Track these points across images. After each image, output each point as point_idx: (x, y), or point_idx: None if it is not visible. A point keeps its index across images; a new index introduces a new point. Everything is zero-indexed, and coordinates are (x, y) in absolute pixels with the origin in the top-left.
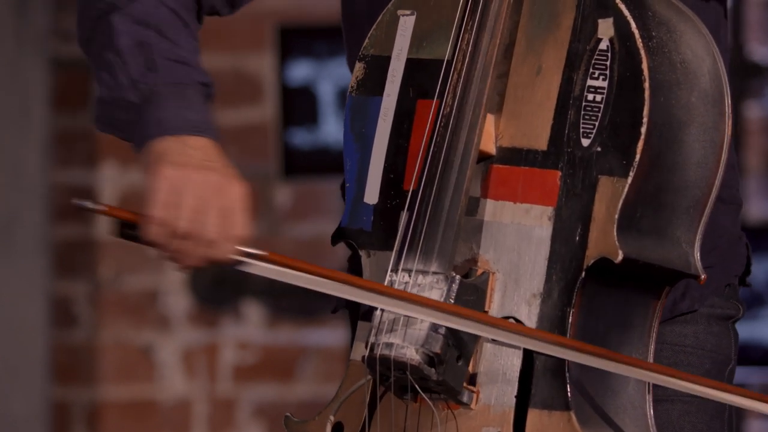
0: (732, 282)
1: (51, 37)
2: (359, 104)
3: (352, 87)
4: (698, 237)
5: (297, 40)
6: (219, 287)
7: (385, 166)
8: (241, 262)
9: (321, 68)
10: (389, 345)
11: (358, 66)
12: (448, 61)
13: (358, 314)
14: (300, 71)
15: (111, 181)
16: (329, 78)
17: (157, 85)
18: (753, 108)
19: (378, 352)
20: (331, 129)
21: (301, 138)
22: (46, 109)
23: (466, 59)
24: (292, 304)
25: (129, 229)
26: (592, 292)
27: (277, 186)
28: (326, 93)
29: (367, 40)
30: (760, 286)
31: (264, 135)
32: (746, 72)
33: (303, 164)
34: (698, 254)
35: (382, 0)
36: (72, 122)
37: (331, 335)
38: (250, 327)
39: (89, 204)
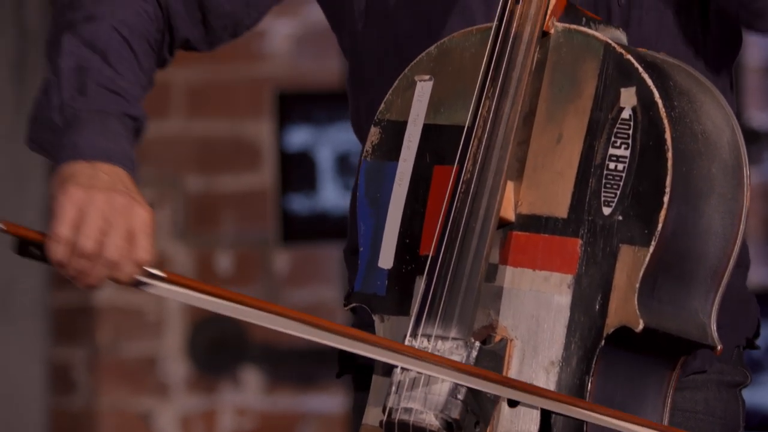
0: (741, 344)
1: None
2: (374, 169)
3: (366, 151)
4: (715, 308)
5: (295, 105)
6: (217, 353)
7: (400, 231)
8: (142, 283)
9: (319, 134)
10: (408, 410)
11: (374, 130)
12: (468, 127)
13: (364, 379)
14: (298, 137)
15: None
16: (328, 144)
17: (82, 111)
18: (752, 174)
19: (397, 417)
20: (330, 195)
21: (299, 204)
22: (44, 174)
23: (487, 126)
24: (291, 370)
25: (33, 248)
26: (611, 361)
27: (276, 252)
28: (325, 159)
29: (382, 105)
30: (759, 352)
31: (263, 201)
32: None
33: (301, 230)
34: (715, 325)
35: (393, 65)
36: None
37: (330, 401)
38: (249, 393)
39: None
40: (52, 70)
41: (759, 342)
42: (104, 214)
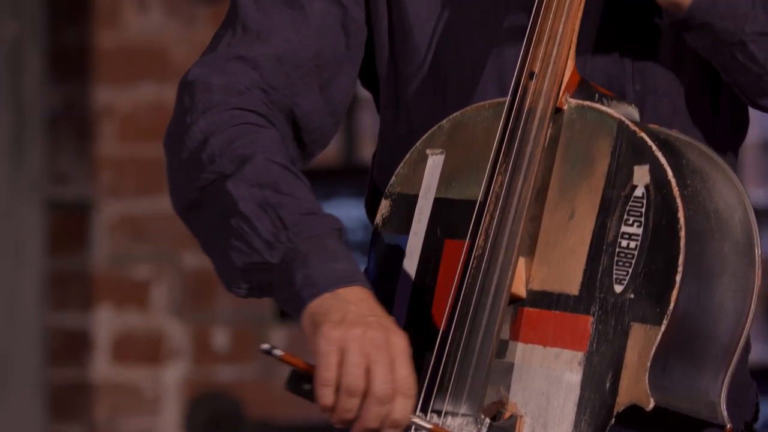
0: (740, 428)
1: (46, 179)
2: (384, 241)
3: (377, 224)
4: (725, 386)
5: None
6: (215, 430)
7: (409, 305)
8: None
9: None
10: None
11: (384, 203)
12: (480, 202)
13: None
14: None
15: (106, 323)
16: None
17: (294, 242)
18: None
19: None
20: None
21: None
22: (41, 251)
23: (500, 201)
24: None
25: (304, 383)
26: None
27: (272, 328)
28: None
29: (393, 178)
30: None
31: None
32: None
33: None
34: (725, 404)
35: (410, 137)
36: (67, 264)
37: None
38: None
39: (273, 350)
40: (237, 218)
41: (760, 419)
42: (364, 350)
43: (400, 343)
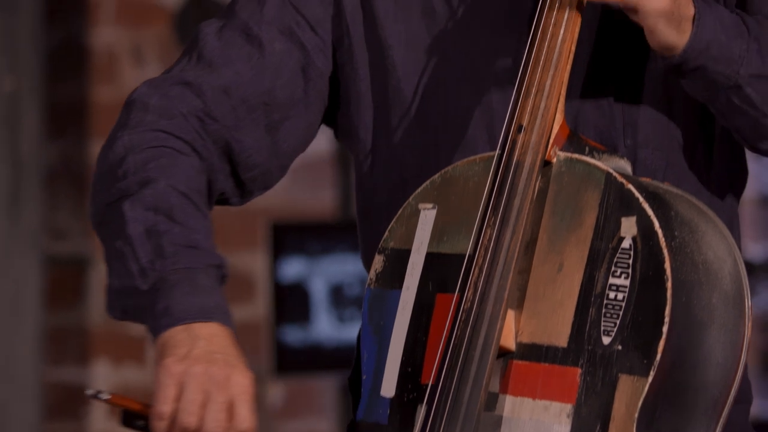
0: None
1: (43, 234)
2: (378, 297)
3: (370, 280)
4: None
5: (289, 237)
6: None
7: (402, 360)
8: None
9: (313, 265)
10: None
11: (377, 259)
12: (469, 255)
13: None
14: (292, 268)
15: (103, 378)
16: (321, 275)
17: (165, 272)
18: None
19: None
20: (324, 326)
21: (293, 335)
22: (39, 306)
23: (488, 254)
24: None
25: (138, 420)
26: None
27: (270, 383)
28: (318, 290)
29: (387, 233)
30: None
31: (256, 332)
32: None
33: (295, 361)
34: None
35: (399, 199)
36: (64, 320)
37: None
38: None
39: (99, 393)
40: (122, 240)
41: None
42: (203, 386)
43: (242, 382)
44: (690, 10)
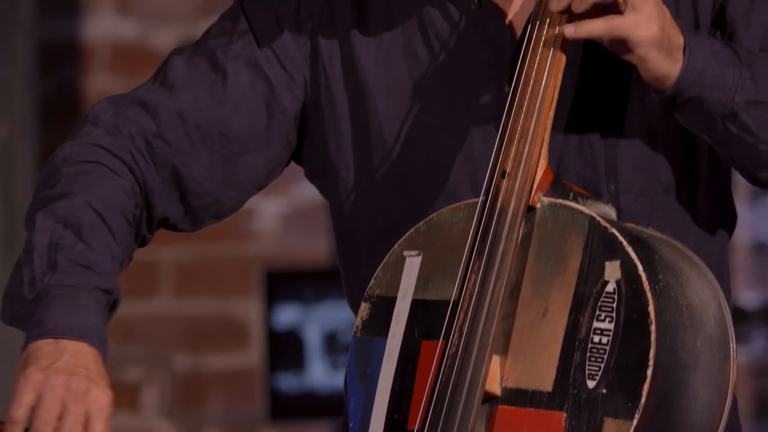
0: None
1: None
2: (364, 345)
3: (357, 327)
4: None
5: (283, 284)
6: None
7: (389, 407)
8: None
9: (307, 312)
10: None
11: (363, 306)
12: (454, 301)
13: None
14: (286, 315)
15: None
16: (316, 322)
17: (51, 286)
18: (740, 353)
19: None
20: (318, 373)
21: (287, 382)
22: None
23: (473, 300)
24: None
25: None
26: None
27: (264, 430)
28: (313, 337)
29: (372, 281)
30: None
31: (250, 379)
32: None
33: (290, 408)
34: None
35: (384, 243)
36: None
37: None
38: None
39: None
40: (26, 247)
41: None
42: (61, 398)
43: (101, 398)
44: (679, 39)
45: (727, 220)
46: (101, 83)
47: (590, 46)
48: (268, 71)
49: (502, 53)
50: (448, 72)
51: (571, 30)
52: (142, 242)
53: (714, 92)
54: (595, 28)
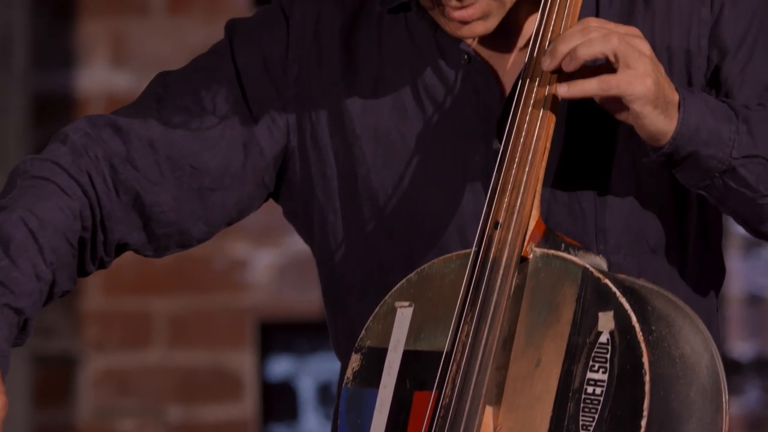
0: None
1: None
2: (355, 396)
3: (347, 378)
4: None
5: (277, 335)
6: None
7: None
8: None
9: (301, 364)
10: None
11: (354, 357)
12: (447, 352)
13: None
14: (280, 367)
15: None
16: (309, 374)
17: None
18: (734, 405)
19: None
20: (312, 424)
21: None
22: (28, 404)
23: (466, 350)
24: None
25: None
26: None
27: None
28: (306, 389)
29: (363, 332)
30: None
31: (245, 431)
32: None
33: None
34: None
35: (373, 292)
36: (52, 418)
37: None
38: None
39: None
40: None
41: None
42: None
43: None
44: (674, 96)
45: (716, 276)
46: None
47: (578, 102)
48: (249, 111)
49: (490, 109)
50: (437, 125)
51: (564, 90)
52: (101, 264)
53: (710, 148)
54: (589, 87)
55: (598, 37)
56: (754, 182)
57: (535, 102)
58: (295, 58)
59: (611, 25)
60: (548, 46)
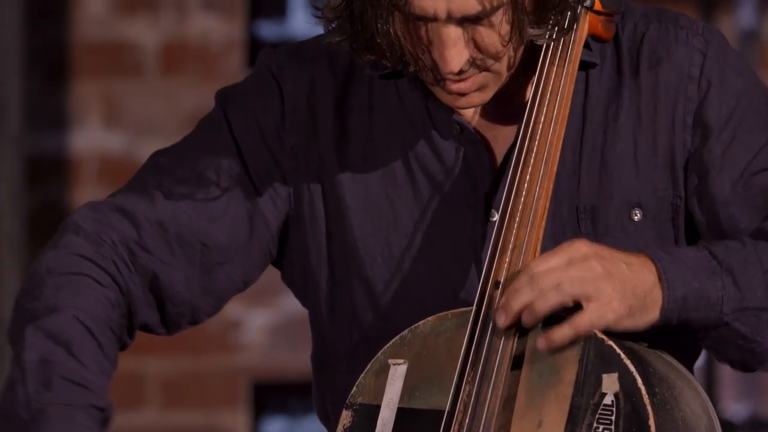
0: None
1: None
2: None
3: None
4: None
5: (271, 396)
6: None
7: None
8: None
9: (295, 425)
10: None
11: (345, 414)
12: (448, 411)
13: None
14: (274, 428)
15: None
16: None
17: (47, 405)
18: None
19: None
20: None
21: None
22: None
23: (468, 410)
24: None
25: None
26: None
27: None
28: None
29: (354, 388)
30: None
31: None
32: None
33: None
34: None
35: (361, 357)
36: None
37: None
38: None
39: None
40: (17, 364)
41: None
42: None
43: None
44: (647, 282)
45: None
46: (89, 196)
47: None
48: (252, 183)
49: (480, 180)
50: (425, 196)
51: (543, 344)
52: (123, 347)
53: (700, 312)
54: (564, 335)
55: (550, 289)
56: (749, 333)
57: (535, 158)
58: (291, 128)
59: (554, 263)
60: (500, 300)
